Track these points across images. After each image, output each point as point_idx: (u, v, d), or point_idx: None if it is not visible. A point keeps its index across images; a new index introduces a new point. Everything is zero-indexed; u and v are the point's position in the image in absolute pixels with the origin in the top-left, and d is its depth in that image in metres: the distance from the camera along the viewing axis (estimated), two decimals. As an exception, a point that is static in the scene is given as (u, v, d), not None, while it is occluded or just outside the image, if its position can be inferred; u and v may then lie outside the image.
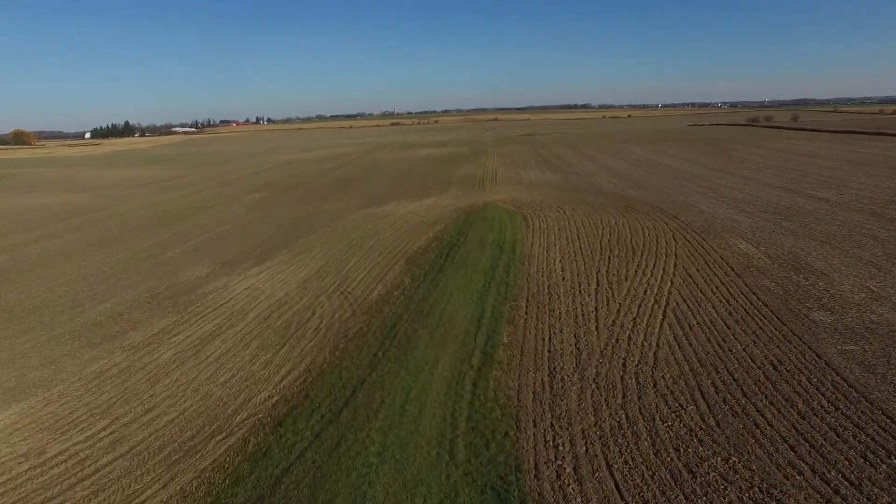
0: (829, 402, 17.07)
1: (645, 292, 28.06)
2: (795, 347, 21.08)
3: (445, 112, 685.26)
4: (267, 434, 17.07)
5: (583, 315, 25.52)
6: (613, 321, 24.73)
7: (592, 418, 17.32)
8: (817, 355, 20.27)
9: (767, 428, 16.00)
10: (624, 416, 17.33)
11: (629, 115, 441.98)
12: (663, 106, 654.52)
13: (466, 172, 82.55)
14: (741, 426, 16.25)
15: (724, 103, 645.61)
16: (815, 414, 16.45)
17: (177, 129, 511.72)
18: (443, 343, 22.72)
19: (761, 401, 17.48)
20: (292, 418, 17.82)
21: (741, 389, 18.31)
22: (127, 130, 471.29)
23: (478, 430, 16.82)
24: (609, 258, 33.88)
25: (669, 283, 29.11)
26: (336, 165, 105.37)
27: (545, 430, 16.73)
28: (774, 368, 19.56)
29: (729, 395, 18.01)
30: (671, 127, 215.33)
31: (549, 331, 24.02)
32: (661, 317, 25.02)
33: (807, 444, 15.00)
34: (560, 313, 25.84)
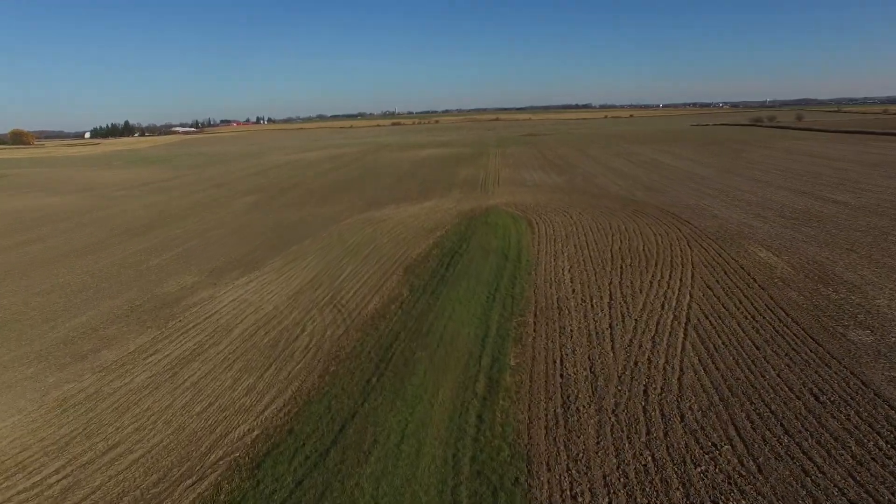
0: (887, 443, 14.90)
1: (662, 307, 25.91)
2: (836, 373, 18.92)
3: (446, 112, 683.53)
4: (243, 479, 14.94)
5: (596, 333, 23.38)
6: (630, 340, 22.59)
7: (614, 460, 15.17)
8: (863, 383, 18.11)
9: (819, 476, 13.85)
10: (650, 457, 15.18)
11: (631, 115, 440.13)
12: (664, 106, 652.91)
13: (468, 174, 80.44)
14: (787, 473, 14.10)
15: (726, 103, 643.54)
16: (873, 459, 14.29)
17: (177, 128, 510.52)
18: (444, 367, 20.58)
19: (807, 440, 15.32)
20: (273, 459, 15.69)
21: (781, 425, 16.15)
22: (127, 130, 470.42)
23: (484, 474, 14.68)
24: (621, 268, 31.72)
25: (688, 297, 26.95)
26: (334, 166, 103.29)
27: (561, 476, 14.58)
28: (816, 399, 17.40)
29: (768, 433, 15.86)
30: (674, 127, 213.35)
31: (561, 351, 21.88)
32: (682, 335, 22.87)
33: (872, 501, 12.85)
34: (572, 331, 23.70)
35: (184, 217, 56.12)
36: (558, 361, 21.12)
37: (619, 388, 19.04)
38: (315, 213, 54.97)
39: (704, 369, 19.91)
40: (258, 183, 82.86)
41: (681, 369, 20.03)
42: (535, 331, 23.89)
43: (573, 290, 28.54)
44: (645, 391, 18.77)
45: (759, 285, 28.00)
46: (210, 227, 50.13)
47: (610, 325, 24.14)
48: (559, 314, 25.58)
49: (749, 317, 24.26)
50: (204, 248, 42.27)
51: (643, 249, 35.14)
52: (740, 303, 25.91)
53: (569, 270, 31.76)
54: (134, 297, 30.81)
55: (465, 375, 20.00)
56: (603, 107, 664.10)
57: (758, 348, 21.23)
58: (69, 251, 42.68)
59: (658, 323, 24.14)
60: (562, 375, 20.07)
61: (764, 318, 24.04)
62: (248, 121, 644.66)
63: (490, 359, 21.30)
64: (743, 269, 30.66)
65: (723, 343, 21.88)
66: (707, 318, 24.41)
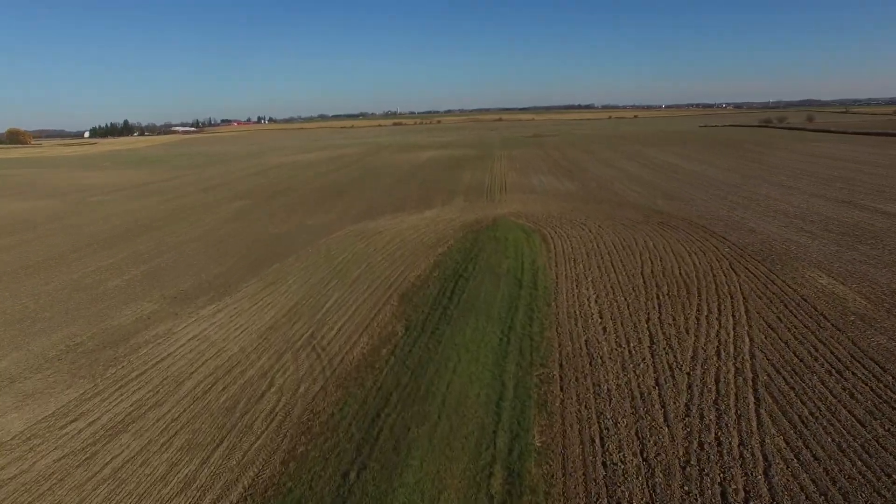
0: None
1: (719, 354, 20.80)
2: None
3: (448, 112, 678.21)
4: None
5: (641, 395, 18.27)
6: (687, 407, 17.49)
7: None
8: None
9: None
10: None
11: (635, 116, 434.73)
12: (667, 107, 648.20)
13: (473, 178, 75.23)
14: None
15: (728, 104, 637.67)
16: None
17: (177, 128, 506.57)
18: (447, 452, 15.46)
19: None
20: None
21: (943, 572, 11.02)
22: (126, 130, 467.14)
23: None
24: (658, 297, 26.60)
25: (748, 340, 21.83)
26: (330, 169, 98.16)
27: None
28: (977, 521, 12.27)
29: (927, 587, 10.73)
30: (682, 128, 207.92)
31: (599, 423, 16.79)
32: (752, 399, 17.78)
33: None
34: (609, 391, 18.60)
35: (161, 226, 51.07)
36: (597, 440, 16.02)
37: (686, 488, 13.95)
38: (305, 222, 49.90)
39: (797, 458, 14.80)
40: (247, 187, 77.79)
41: (764, 457, 14.92)
42: (562, 390, 18.79)
43: (604, 329, 23.43)
44: (723, 495, 13.67)
45: (833, 325, 22.85)
46: (187, 240, 45.08)
47: (657, 383, 19.03)
48: (590, 364, 20.47)
49: (834, 372, 19.12)
50: (174, 265, 37.20)
51: (680, 273, 30.00)
52: (816, 350, 20.77)
53: (595, 300, 26.65)
54: (76, 332, 25.74)
55: (475, 466, 14.89)
56: (605, 107, 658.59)
57: (862, 424, 16.10)
58: (20, 267, 37.64)
59: (718, 380, 19.03)
60: (604, 465, 14.98)
61: (854, 374, 18.91)
62: (248, 120, 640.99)
63: (508, 436, 16.20)
64: (806, 301, 25.50)
65: (810, 414, 16.75)
66: (779, 372, 19.29)
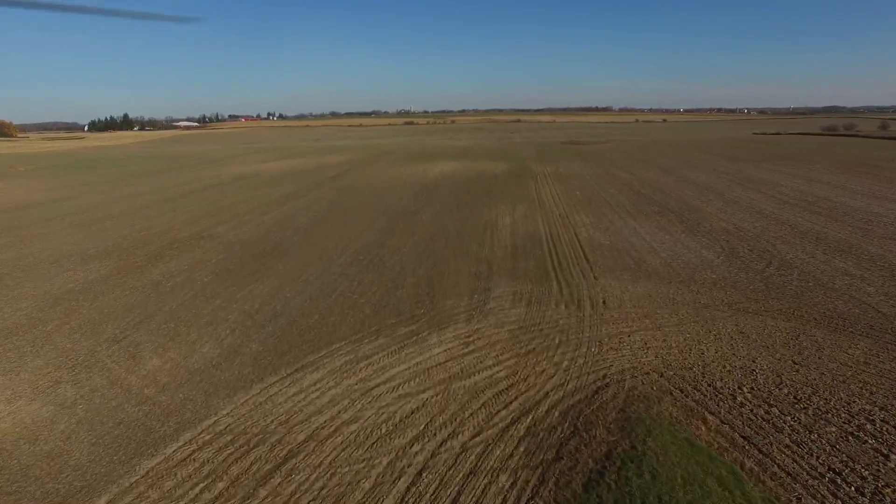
0: None
1: None
2: None
3: (462, 112, 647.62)
4: None
5: None
6: None
7: None
8: None
9: None
10: None
11: (664, 120, 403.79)
12: (685, 110, 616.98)
13: (517, 224, 44.85)
14: None
15: (751, 109, 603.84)
16: None
17: (180, 123, 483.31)
18: None
19: None
20: None
21: None
22: (126, 124, 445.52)
23: None
24: None
25: None
26: (295, 191, 68.22)
27: None
28: None
29: None
30: (732, 135, 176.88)
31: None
32: None
33: None
34: None
35: None
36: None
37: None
38: (145, 364, 21.05)
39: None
40: (152, 223, 48.85)
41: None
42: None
43: None
44: None
45: None
46: None
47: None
48: None
49: None
50: None
51: None
52: None
53: None
54: None
55: None
56: (623, 110, 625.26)
57: None
58: None
59: None
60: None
61: None
62: (258, 116, 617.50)
63: None
64: None
65: None
66: None
